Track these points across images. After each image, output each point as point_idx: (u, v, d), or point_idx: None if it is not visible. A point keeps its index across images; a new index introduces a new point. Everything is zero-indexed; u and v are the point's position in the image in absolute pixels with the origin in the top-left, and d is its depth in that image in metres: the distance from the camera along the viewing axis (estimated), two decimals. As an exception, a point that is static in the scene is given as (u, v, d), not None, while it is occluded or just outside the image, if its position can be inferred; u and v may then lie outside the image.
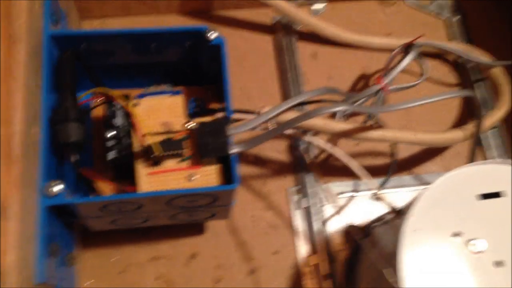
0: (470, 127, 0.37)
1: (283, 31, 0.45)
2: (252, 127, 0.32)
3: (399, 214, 0.29)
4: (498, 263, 0.28)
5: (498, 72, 0.40)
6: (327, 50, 0.45)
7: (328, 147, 0.36)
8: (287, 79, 0.44)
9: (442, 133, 0.36)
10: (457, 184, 0.30)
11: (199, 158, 0.30)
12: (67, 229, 0.33)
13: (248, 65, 0.44)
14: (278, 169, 0.41)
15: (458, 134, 0.36)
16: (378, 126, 0.36)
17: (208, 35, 0.32)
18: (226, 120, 0.31)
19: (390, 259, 0.28)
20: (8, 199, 0.24)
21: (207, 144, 0.30)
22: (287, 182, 0.41)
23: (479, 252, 0.28)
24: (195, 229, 0.39)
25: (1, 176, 0.24)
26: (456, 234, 0.28)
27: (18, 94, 0.26)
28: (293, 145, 0.42)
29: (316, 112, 0.30)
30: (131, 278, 0.37)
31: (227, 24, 0.46)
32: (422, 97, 0.33)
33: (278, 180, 0.41)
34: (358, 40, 0.44)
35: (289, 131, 0.36)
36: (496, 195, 0.30)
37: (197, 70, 0.36)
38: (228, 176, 0.31)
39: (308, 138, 0.37)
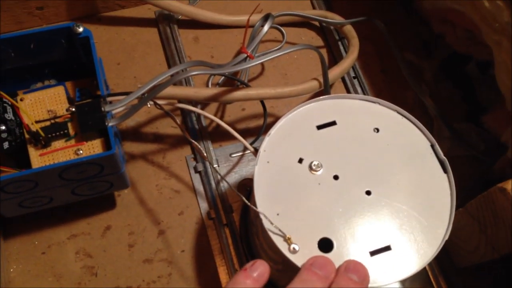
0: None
1: (166, 22, 0.51)
2: (127, 103, 0.37)
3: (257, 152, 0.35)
4: (335, 177, 0.34)
5: (349, 29, 0.47)
6: (207, 33, 0.51)
7: (210, 115, 0.42)
8: (174, 63, 0.49)
9: (299, 85, 0.42)
10: (300, 118, 0.35)
11: (82, 134, 0.35)
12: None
13: (138, 56, 0.50)
14: (175, 142, 0.47)
15: (314, 83, 0.42)
16: (245, 87, 0.42)
17: (76, 29, 0.37)
18: (101, 99, 0.36)
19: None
20: None
21: (86, 121, 0.35)
22: (185, 151, 0.46)
23: (320, 170, 0.34)
24: (107, 204, 0.44)
25: None
26: (301, 160, 0.34)
27: None
28: (185, 119, 0.47)
29: (177, 77, 0.36)
30: (53, 256, 0.42)
31: (115, 23, 0.51)
32: (271, 53, 0.39)
33: (176, 151, 0.46)
34: (231, 20, 0.50)
35: (172, 106, 0.41)
36: (333, 123, 0.36)
37: (81, 65, 0.41)
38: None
39: (190, 108, 0.42)
